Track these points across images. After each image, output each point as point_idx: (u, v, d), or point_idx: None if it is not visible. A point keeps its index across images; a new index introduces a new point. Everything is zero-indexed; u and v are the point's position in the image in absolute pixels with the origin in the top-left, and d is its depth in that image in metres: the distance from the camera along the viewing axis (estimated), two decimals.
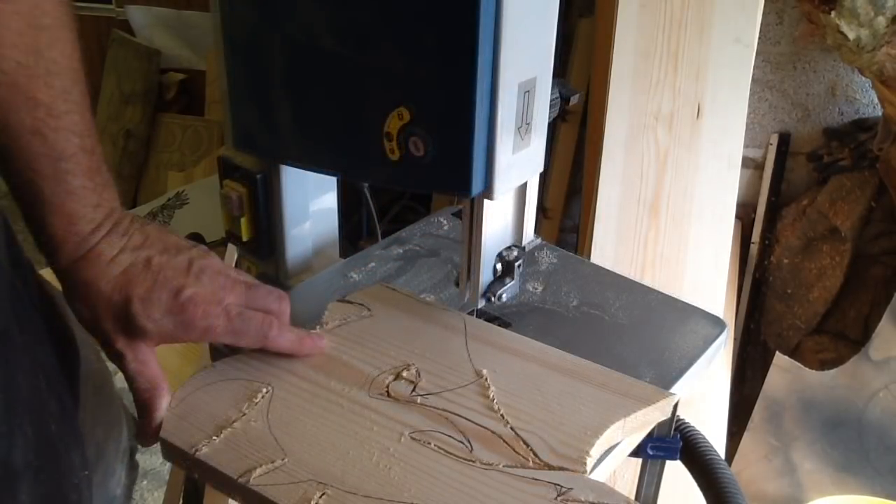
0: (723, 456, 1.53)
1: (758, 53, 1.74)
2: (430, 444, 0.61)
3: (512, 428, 0.62)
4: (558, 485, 0.56)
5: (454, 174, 0.64)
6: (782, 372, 1.83)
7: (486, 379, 0.67)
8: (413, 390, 0.67)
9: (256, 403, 0.66)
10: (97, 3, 3.33)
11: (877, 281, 1.84)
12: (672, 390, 0.76)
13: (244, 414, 0.65)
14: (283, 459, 0.61)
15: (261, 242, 0.88)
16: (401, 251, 0.96)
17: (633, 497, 0.72)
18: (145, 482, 2.11)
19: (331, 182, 0.92)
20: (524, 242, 0.79)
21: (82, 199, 0.60)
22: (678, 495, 1.21)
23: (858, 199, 1.82)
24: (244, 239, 0.88)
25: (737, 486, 0.89)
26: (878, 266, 1.84)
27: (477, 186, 0.65)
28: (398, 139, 0.64)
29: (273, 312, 0.69)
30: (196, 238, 2.57)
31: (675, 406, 0.88)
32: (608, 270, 0.95)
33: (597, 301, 0.88)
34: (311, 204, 0.90)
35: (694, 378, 0.80)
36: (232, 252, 1.49)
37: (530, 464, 0.59)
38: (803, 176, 2.00)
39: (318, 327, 0.76)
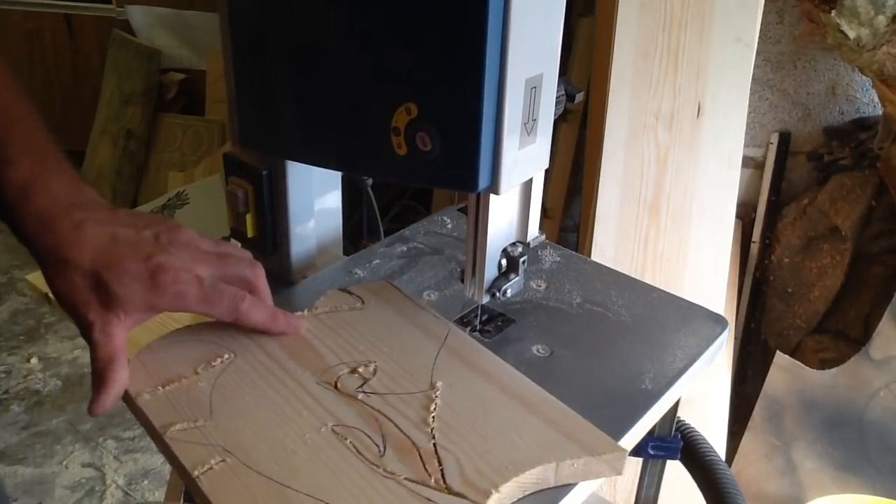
0: (723, 455, 1.54)
1: (758, 53, 1.75)
2: (346, 439, 0.61)
3: (435, 444, 0.61)
4: None
5: (460, 169, 0.65)
6: (783, 371, 1.83)
7: (437, 392, 0.66)
8: (360, 386, 0.67)
9: (213, 367, 0.69)
10: (97, 3, 3.33)
11: (877, 280, 1.85)
12: (674, 388, 0.76)
13: (197, 374, 0.69)
14: (205, 421, 0.63)
15: (265, 239, 0.88)
16: (404, 249, 0.97)
17: (633, 497, 0.72)
18: (146, 482, 2.11)
19: (335, 180, 0.92)
20: (529, 239, 0.79)
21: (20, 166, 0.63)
22: (678, 495, 1.21)
23: (859, 198, 1.83)
24: (249, 235, 0.88)
25: (737, 487, 0.89)
26: (878, 265, 1.85)
27: (483, 181, 0.65)
28: (405, 134, 0.65)
29: (247, 280, 0.70)
30: None
31: (676, 406, 0.88)
32: (611, 269, 0.95)
33: (599, 299, 0.88)
34: (316, 202, 0.90)
35: (695, 376, 0.80)
36: None
37: (432, 483, 0.58)
38: (804, 175, 2.00)
39: (305, 311, 0.77)
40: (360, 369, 0.69)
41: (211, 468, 0.59)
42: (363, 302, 0.79)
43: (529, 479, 0.59)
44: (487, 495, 0.56)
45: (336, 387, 0.67)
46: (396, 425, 0.63)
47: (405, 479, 0.58)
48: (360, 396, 0.66)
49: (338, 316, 0.77)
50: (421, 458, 0.60)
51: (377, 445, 0.61)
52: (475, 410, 0.64)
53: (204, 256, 0.69)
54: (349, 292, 0.80)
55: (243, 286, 0.70)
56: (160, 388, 0.67)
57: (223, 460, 0.60)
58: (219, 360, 0.70)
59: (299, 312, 0.77)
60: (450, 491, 0.57)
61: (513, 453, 0.60)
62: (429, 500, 0.56)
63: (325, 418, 0.64)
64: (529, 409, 0.65)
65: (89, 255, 0.63)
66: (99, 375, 0.65)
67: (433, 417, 0.63)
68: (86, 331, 0.65)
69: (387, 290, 0.81)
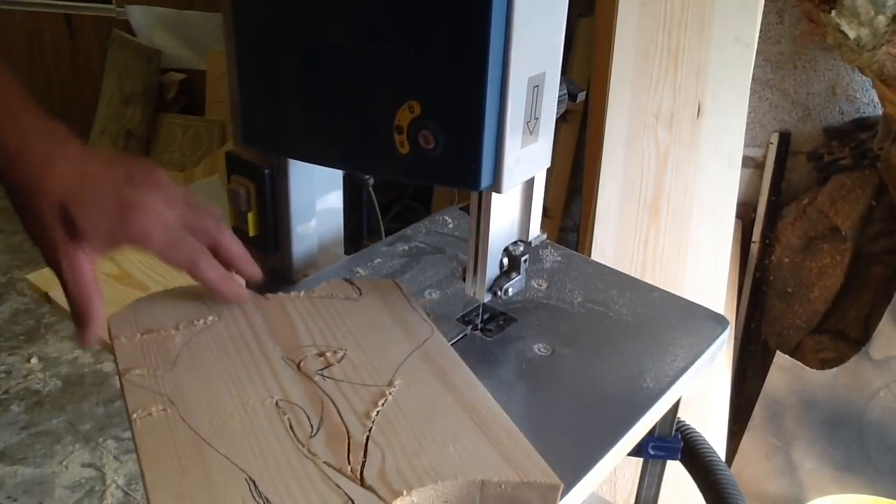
0: (723, 455, 1.53)
1: (758, 53, 1.75)
2: (285, 415, 0.63)
3: (368, 437, 0.61)
4: (351, 500, 0.55)
5: (463, 167, 0.65)
6: (783, 371, 1.83)
7: (391, 389, 0.66)
8: (322, 369, 0.68)
9: (194, 326, 0.73)
10: (97, 3, 3.33)
11: (877, 280, 1.85)
12: (674, 387, 0.76)
13: (177, 330, 0.72)
14: (165, 372, 0.67)
15: (267, 238, 0.88)
16: (406, 248, 0.97)
17: (633, 497, 0.72)
18: None
19: (337, 180, 0.92)
20: (530, 238, 0.79)
21: None
22: (678, 495, 1.21)
23: (859, 198, 1.83)
24: (251, 234, 0.88)
25: (736, 488, 0.90)
26: (878, 265, 1.85)
27: (485, 180, 0.65)
28: (408, 132, 0.65)
29: (211, 234, 0.71)
30: None
31: (676, 406, 0.88)
32: (611, 268, 0.95)
33: (601, 298, 0.88)
34: (318, 201, 0.90)
35: (696, 375, 0.80)
36: None
37: (348, 472, 0.58)
38: (804, 175, 2.00)
39: (302, 292, 0.79)
40: (328, 354, 0.70)
41: (150, 414, 0.62)
42: (360, 293, 0.80)
43: (451, 492, 0.58)
44: (397, 495, 0.56)
45: (298, 365, 0.69)
46: (339, 411, 0.64)
47: (324, 462, 0.58)
48: (316, 378, 0.67)
49: (330, 302, 0.78)
50: (349, 447, 0.60)
51: (311, 426, 0.62)
52: (422, 414, 0.64)
53: (174, 201, 0.70)
54: (350, 282, 0.81)
55: (206, 240, 0.71)
56: (139, 335, 0.71)
57: (164, 409, 0.62)
58: (201, 321, 0.73)
59: (295, 293, 0.79)
60: (362, 483, 0.57)
61: (441, 461, 0.59)
62: (338, 486, 0.56)
63: (274, 391, 0.65)
64: (477, 423, 0.63)
65: (59, 190, 0.64)
66: (76, 314, 0.67)
67: (377, 412, 0.64)
68: (55, 269, 0.66)
69: (387, 287, 0.82)
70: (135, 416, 0.62)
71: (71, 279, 0.66)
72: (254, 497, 0.55)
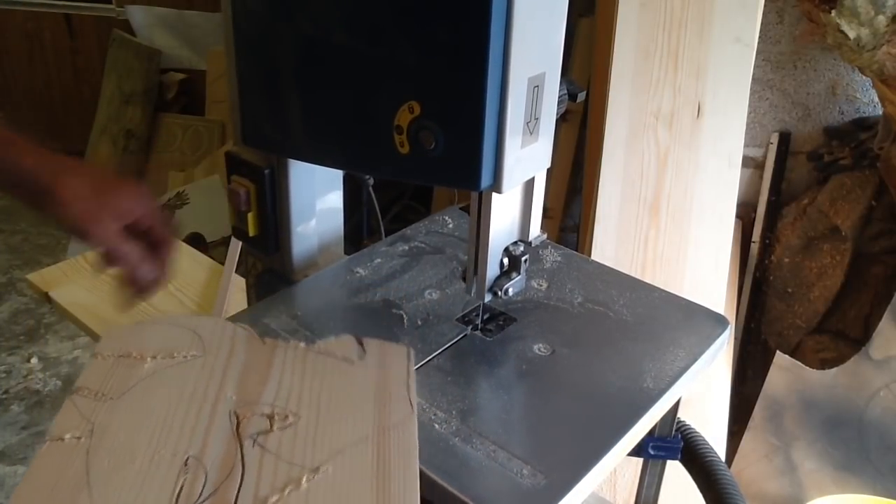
0: (723, 455, 1.53)
1: (758, 52, 1.75)
2: (185, 474, 0.60)
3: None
4: None
5: (463, 167, 0.65)
6: (783, 371, 1.83)
7: (312, 476, 0.61)
8: (258, 434, 0.64)
9: (172, 358, 0.71)
10: (97, 3, 3.33)
11: (877, 280, 1.85)
12: (675, 387, 0.76)
13: (153, 359, 0.71)
14: (107, 398, 0.66)
15: (267, 238, 0.88)
16: (406, 248, 0.97)
17: (633, 497, 0.71)
18: None
19: (337, 181, 0.92)
20: (530, 238, 0.79)
21: None
22: (678, 495, 1.21)
23: (859, 198, 1.83)
24: (251, 234, 0.88)
25: (736, 488, 0.89)
26: (878, 265, 1.85)
27: (485, 180, 0.65)
28: (408, 132, 0.65)
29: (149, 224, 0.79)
30: (196, 238, 2.57)
31: (676, 406, 0.88)
32: (612, 269, 0.95)
33: (601, 298, 0.88)
34: (318, 201, 0.90)
35: (696, 375, 0.80)
36: (235, 247, 1.50)
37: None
38: (804, 175, 2.00)
39: (304, 343, 0.75)
40: (277, 418, 0.66)
41: (62, 439, 0.61)
42: (364, 355, 0.74)
43: None
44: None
45: (238, 424, 0.65)
46: (240, 487, 0.59)
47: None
48: (246, 443, 0.63)
49: (323, 360, 0.73)
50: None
51: (202, 493, 0.59)
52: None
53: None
54: (360, 342, 0.76)
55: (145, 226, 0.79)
56: (115, 356, 0.70)
57: (79, 437, 0.61)
58: (181, 355, 0.72)
59: (295, 342, 0.75)
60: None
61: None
62: None
63: (194, 447, 0.62)
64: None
65: (70, 194, 0.75)
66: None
67: (278, 499, 0.59)
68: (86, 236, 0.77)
69: (394, 354, 0.75)
70: (48, 437, 0.61)
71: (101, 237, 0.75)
72: None
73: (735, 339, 2.02)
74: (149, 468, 0.60)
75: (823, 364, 1.84)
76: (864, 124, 1.90)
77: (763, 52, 1.90)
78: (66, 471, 0.58)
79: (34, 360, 2.49)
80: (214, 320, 0.75)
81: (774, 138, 1.99)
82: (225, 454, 0.62)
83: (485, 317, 0.83)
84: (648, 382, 0.75)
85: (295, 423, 0.65)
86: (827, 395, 1.78)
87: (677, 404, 0.88)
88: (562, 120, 2.07)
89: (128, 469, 0.59)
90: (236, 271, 1.52)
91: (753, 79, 1.72)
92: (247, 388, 0.69)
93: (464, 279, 0.80)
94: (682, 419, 0.93)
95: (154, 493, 0.58)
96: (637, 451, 0.90)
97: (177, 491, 0.58)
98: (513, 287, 0.77)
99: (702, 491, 0.93)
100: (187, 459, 0.61)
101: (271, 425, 0.65)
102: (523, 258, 0.77)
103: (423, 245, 0.98)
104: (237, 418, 0.65)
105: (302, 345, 0.75)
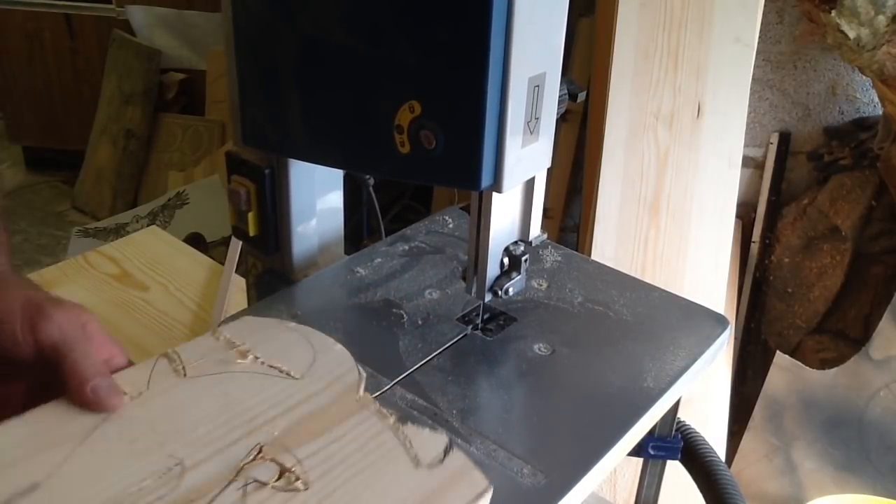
0: (723, 455, 1.53)
1: (758, 52, 1.75)
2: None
3: None
4: None
5: (463, 167, 0.65)
6: (783, 371, 1.83)
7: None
8: (252, 480, 0.57)
9: (271, 367, 0.69)
10: (97, 3, 3.34)
11: (877, 280, 1.85)
12: (675, 387, 0.76)
13: (256, 360, 0.70)
14: (185, 373, 0.65)
15: (267, 238, 0.88)
16: (406, 248, 0.97)
17: (633, 497, 0.71)
18: None
19: (337, 180, 0.92)
20: (531, 238, 0.79)
21: None
22: (678, 495, 1.21)
23: (859, 198, 1.83)
24: (251, 234, 0.88)
25: (736, 488, 0.89)
26: (878, 265, 1.85)
27: (486, 180, 0.65)
28: (409, 132, 0.65)
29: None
30: (196, 238, 2.58)
31: (676, 406, 0.88)
32: (612, 268, 0.95)
33: (601, 298, 0.88)
34: (318, 201, 0.90)
35: (696, 375, 0.80)
36: (235, 247, 1.50)
37: None
38: (804, 175, 2.00)
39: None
40: (284, 477, 0.58)
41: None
42: (432, 463, 0.62)
43: None
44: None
45: (252, 460, 0.59)
46: None
47: None
48: (235, 482, 0.57)
49: (388, 450, 0.63)
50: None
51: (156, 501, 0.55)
52: None
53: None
54: (450, 448, 0.64)
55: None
56: (226, 340, 0.71)
57: (126, 395, 0.62)
58: (277, 370, 0.69)
59: (393, 419, 0.65)
60: None
61: None
62: None
63: (192, 458, 0.58)
64: None
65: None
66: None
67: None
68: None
69: (470, 485, 0.61)
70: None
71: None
72: None
73: (735, 339, 2.02)
74: (141, 454, 0.58)
75: (823, 364, 1.84)
76: (864, 124, 1.90)
77: (763, 52, 1.90)
78: (78, 418, 0.58)
79: None
80: (340, 351, 0.72)
81: (774, 138, 1.99)
82: (211, 481, 0.56)
83: (485, 316, 0.83)
84: (648, 382, 0.75)
85: (293, 495, 0.57)
86: (827, 395, 1.78)
87: (677, 404, 0.87)
88: (562, 120, 2.08)
89: (123, 447, 0.58)
90: (236, 271, 1.52)
91: (753, 79, 1.72)
92: (297, 433, 0.62)
93: (464, 279, 0.80)
94: (682, 419, 0.93)
95: (122, 476, 0.56)
96: (637, 451, 0.90)
97: (139, 486, 0.55)
98: (513, 287, 0.77)
99: (702, 491, 0.93)
100: (176, 464, 0.57)
101: (278, 477, 0.58)
102: (523, 258, 0.77)
103: (423, 245, 0.98)
104: (257, 454, 0.59)
105: (391, 419, 0.65)
